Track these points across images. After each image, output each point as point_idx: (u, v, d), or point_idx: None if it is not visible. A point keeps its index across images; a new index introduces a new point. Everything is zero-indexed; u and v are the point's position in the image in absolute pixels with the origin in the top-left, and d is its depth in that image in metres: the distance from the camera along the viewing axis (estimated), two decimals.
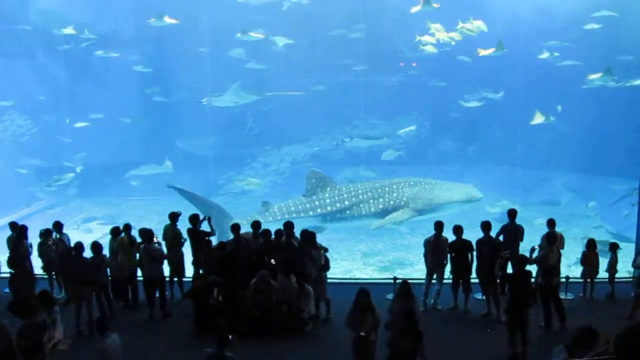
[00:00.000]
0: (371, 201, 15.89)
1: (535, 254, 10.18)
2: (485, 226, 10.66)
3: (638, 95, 20.50)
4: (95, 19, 23.05)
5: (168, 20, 19.88)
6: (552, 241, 10.16)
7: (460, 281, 10.93)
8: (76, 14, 22.76)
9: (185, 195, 16.08)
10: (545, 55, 20.72)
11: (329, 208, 15.90)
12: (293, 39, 22.46)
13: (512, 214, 11.32)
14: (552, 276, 9.95)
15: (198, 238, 11.37)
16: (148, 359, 9.38)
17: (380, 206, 15.85)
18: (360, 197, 15.96)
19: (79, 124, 23.05)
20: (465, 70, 21.81)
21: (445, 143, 25.69)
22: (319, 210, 15.95)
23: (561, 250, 10.57)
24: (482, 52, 18.40)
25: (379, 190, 16.04)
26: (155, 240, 10.90)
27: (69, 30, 21.12)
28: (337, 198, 15.97)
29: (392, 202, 15.85)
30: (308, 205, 15.98)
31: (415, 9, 17.88)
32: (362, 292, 8.30)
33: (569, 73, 21.52)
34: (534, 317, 9.81)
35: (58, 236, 11.60)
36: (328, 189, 16.10)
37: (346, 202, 15.89)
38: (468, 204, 16.37)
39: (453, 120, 24.18)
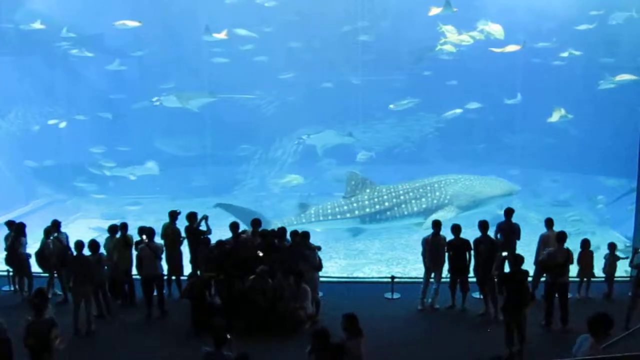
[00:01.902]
0: (413, 201, 15.80)
1: None
2: (483, 225, 10.69)
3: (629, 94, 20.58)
4: (81, 19, 22.95)
5: (131, 23, 19.51)
6: (561, 240, 10.06)
7: (458, 280, 10.96)
8: (63, 14, 22.71)
9: (231, 211, 16.19)
10: (566, 53, 20.67)
11: (367, 210, 15.77)
12: (306, 36, 22.53)
13: (508, 212, 11.40)
14: (559, 274, 9.92)
15: (195, 236, 11.39)
16: (145, 358, 9.38)
17: (424, 205, 15.77)
18: (402, 197, 15.85)
19: (58, 123, 22.99)
20: (476, 70, 21.83)
21: (456, 143, 25.64)
22: (357, 212, 15.80)
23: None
24: (507, 49, 18.36)
25: (421, 190, 15.97)
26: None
27: (37, 25, 20.81)
28: (376, 199, 15.84)
29: (435, 201, 15.78)
30: (346, 208, 15.86)
31: (433, 12, 17.63)
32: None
33: (565, 74, 21.60)
34: (534, 315, 9.88)
35: (55, 234, 11.58)
36: (367, 190, 15.97)
37: (386, 204, 15.75)
38: (507, 197, 16.43)
39: (466, 121, 24.13)
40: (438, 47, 19.03)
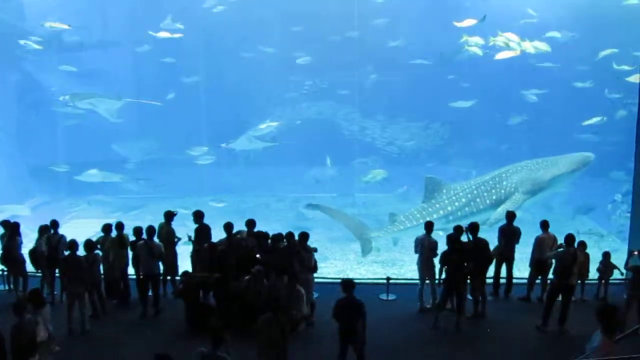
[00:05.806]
0: (485, 194, 16.16)
1: None
2: (473, 228, 10.70)
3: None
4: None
5: (59, 25, 19.43)
6: (570, 242, 9.99)
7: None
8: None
9: (325, 211, 16.83)
10: (605, 52, 20.75)
11: (449, 208, 16.16)
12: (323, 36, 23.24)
13: (510, 216, 11.53)
14: (567, 276, 9.88)
15: (203, 235, 11.30)
16: (140, 358, 9.33)
17: (494, 197, 16.09)
18: (475, 192, 16.23)
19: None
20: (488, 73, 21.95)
21: (469, 144, 25.80)
22: (441, 212, 16.17)
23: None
24: (502, 55, 18.26)
25: (490, 182, 16.32)
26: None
27: None
28: (454, 197, 16.26)
29: (503, 191, 16.08)
30: (431, 209, 16.22)
31: (464, 24, 17.70)
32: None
33: (564, 75, 21.66)
34: (534, 316, 9.98)
35: (47, 235, 11.49)
36: (444, 190, 16.40)
37: (463, 200, 16.17)
38: (578, 171, 16.30)
39: (477, 122, 24.26)
40: (465, 48, 19.08)
